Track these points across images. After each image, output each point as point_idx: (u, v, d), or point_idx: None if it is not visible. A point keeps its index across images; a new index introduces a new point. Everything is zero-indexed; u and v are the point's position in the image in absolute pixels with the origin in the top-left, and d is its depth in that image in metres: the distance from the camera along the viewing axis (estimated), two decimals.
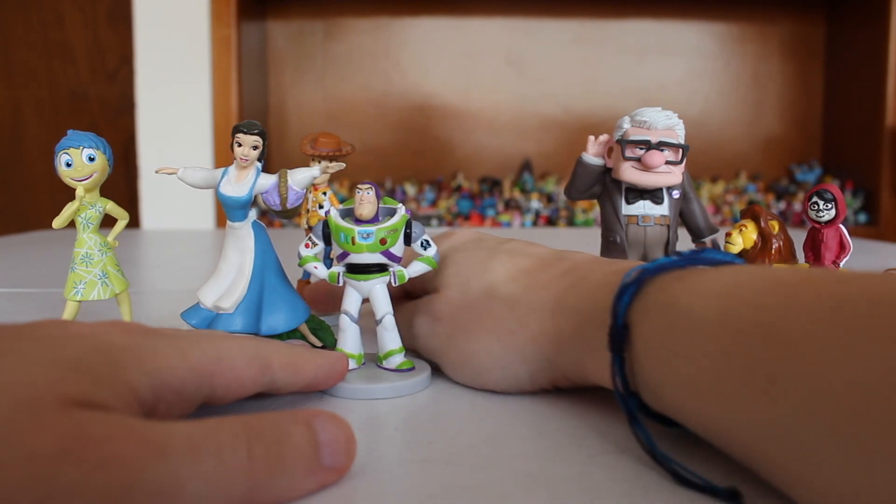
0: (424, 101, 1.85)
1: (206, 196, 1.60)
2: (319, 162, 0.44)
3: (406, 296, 0.41)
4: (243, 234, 0.37)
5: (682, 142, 0.42)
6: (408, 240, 0.35)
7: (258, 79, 1.77)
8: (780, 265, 0.41)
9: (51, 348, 0.22)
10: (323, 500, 0.23)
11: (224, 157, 1.60)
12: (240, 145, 0.35)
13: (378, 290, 0.35)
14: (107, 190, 0.41)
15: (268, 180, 0.36)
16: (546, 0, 1.82)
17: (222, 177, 0.36)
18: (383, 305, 0.35)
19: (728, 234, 0.41)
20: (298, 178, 0.36)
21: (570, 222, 1.69)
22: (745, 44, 1.86)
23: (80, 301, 0.40)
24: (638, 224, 0.42)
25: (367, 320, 0.36)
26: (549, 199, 1.75)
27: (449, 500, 0.23)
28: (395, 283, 0.35)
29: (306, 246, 0.36)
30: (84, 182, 0.39)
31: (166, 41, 1.59)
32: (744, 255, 0.41)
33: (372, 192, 0.34)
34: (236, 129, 0.35)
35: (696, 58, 1.86)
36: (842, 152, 1.82)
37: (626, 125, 0.42)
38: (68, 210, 0.39)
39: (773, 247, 0.40)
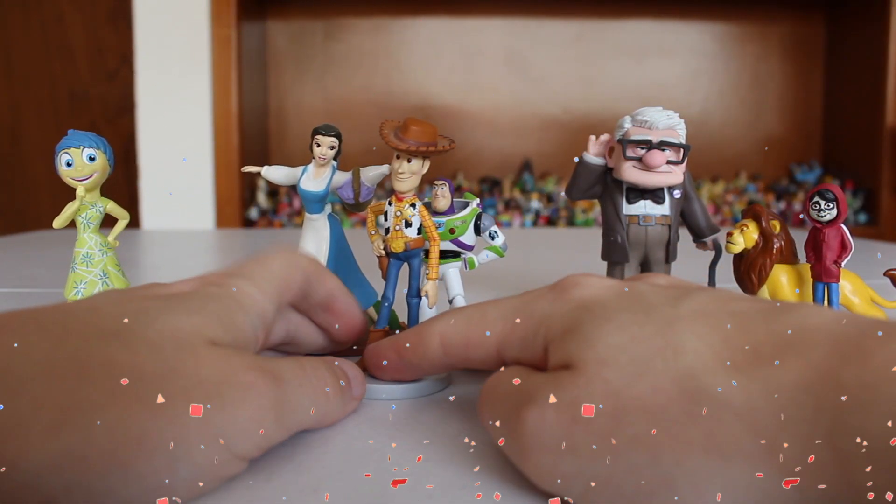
0: (424, 101, 1.84)
1: (206, 196, 1.60)
2: (410, 161, 0.36)
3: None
4: (320, 226, 0.41)
5: (684, 141, 0.42)
6: (477, 230, 0.40)
7: (258, 79, 1.76)
8: (782, 265, 0.41)
9: (181, 301, 0.26)
10: (325, 499, 0.23)
11: (223, 156, 1.60)
12: (318, 146, 0.38)
13: (450, 273, 0.40)
14: (107, 190, 0.41)
15: (342, 177, 0.40)
16: (546, 0, 1.82)
17: (302, 174, 0.40)
18: (455, 287, 0.40)
19: (729, 234, 0.41)
20: (370, 175, 0.40)
21: (570, 222, 1.69)
22: (745, 44, 1.86)
23: None
24: (639, 224, 0.42)
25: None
26: (549, 199, 1.75)
27: (449, 500, 0.23)
28: (465, 268, 0.41)
29: None
30: (84, 182, 0.39)
31: (166, 41, 1.59)
32: (745, 254, 0.41)
33: (446, 188, 0.39)
34: (316, 131, 0.38)
35: (696, 58, 1.86)
36: (842, 152, 1.82)
37: (628, 125, 0.42)
38: (69, 210, 0.39)
39: (775, 247, 0.40)
